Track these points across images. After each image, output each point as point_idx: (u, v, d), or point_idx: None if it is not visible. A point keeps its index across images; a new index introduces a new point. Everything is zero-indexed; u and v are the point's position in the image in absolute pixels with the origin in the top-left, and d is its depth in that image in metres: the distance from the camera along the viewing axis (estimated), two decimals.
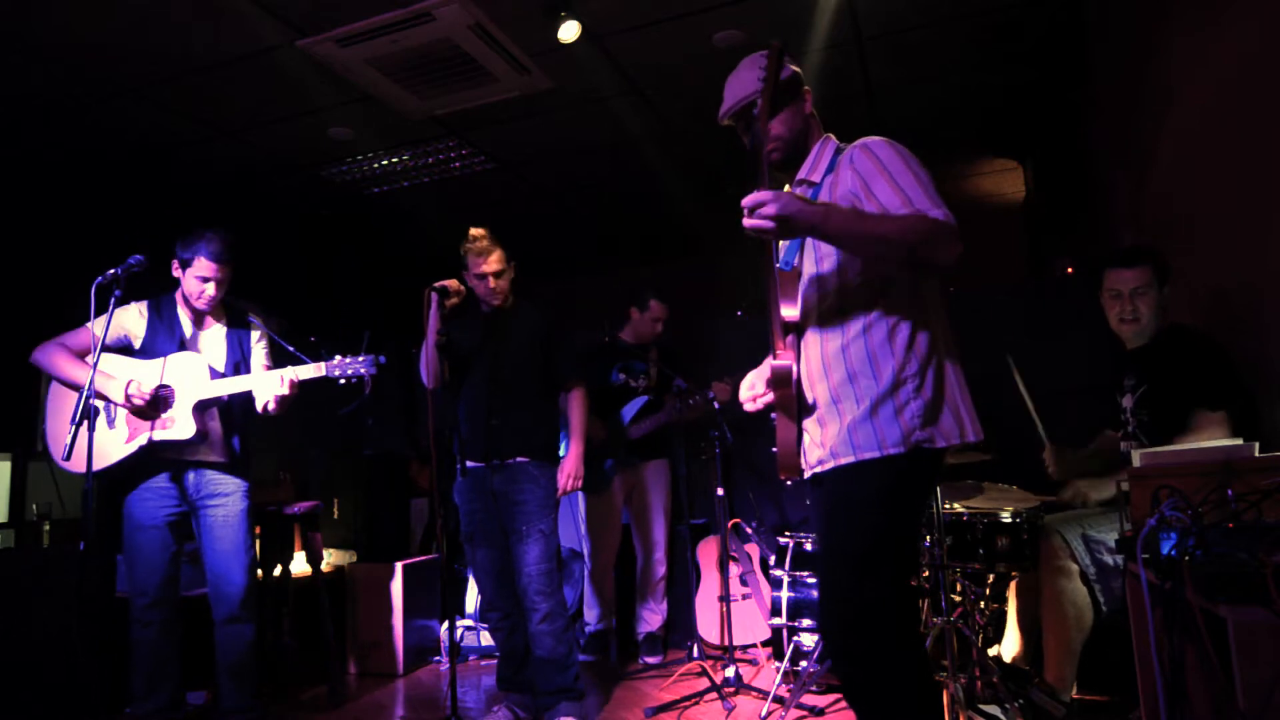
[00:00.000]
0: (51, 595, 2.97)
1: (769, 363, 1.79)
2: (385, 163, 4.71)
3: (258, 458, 3.05)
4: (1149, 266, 2.52)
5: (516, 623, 2.99)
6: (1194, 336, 2.44)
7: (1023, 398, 2.82)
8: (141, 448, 2.74)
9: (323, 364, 2.78)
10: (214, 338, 2.95)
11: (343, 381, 2.76)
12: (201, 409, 2.80)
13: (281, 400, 2.79)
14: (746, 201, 1.56)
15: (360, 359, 2.75)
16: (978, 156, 5.25)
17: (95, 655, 3.06)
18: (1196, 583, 1.38)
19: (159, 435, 2.74)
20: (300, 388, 2.81)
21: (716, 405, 3.72)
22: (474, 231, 3.06)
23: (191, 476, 2.85)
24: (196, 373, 2.80)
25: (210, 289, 2.86)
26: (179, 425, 2.74)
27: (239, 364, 2.94)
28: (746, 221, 1.57)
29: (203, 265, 2.82)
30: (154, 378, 2.75)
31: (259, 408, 2.83)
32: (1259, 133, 2.07)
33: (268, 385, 2.77)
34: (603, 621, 4.10)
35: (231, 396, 2.87)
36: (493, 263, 3.04)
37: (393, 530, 5.27)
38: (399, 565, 3.97)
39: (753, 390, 1.92)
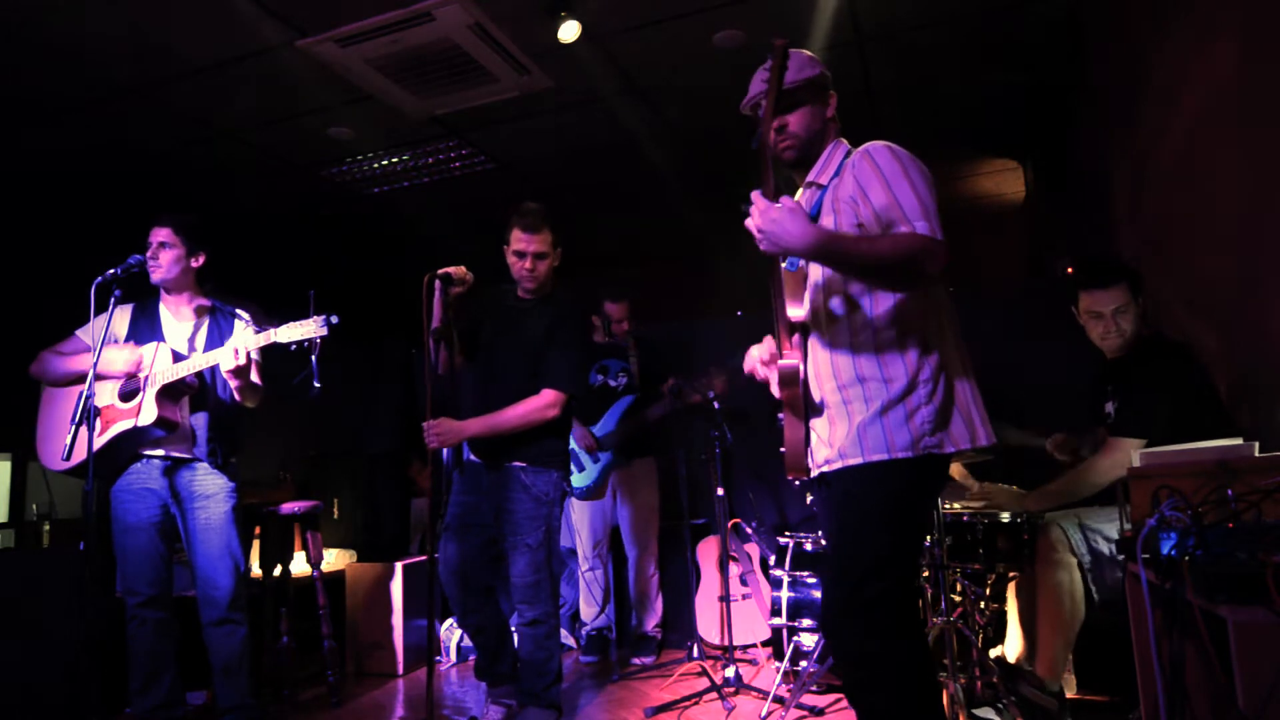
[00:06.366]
0: (51, 595, 2.97)
1: (777, 361, 1.79)
2: (385, 163, 4.71)
3: (258, 458, 3.04)
4: (1125, 284, 2.53)
5: (480, 623, 2.92)
6: (1161, 356, 2.46)
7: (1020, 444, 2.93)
8: (113, 439, 2.70)
9: (270, 330, 2.64)
10: (196, 333, 2.92)
11: (294, 347, 2.60)
12: (167, 395, 2.74)
13: (239, 375, 2.68)
14: (753, 200, 1.61)
15: (309, 321, 2.56)
16: (978, 156, 5.25)
17: (95, 655, 3.06)
18: (1196, 583, 1.38)
19: (126, 425, 2.69)
20: (255, 356, 2.71)
21: (716, 404, 3.71)
22: (529, 204, 2.81)
23: (174, 476, 2.82)
24: (161, 359, 2.75)
25: (166, 255, 2.80)
26: (143, 412, 2.69)
27: None
28: (747, 221, 1.63)
29: (153, 234, 2.80)
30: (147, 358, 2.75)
31: (228, 396, 2.79)
32: (1258, 131, 2.07)
33: (221, 361, 2.68)
34: (600, 620, 4.10)
35: (209, 391, 2.83)
36: (537, 242, 2.77)
37: (393, 530, 5.27)
38: (399, 565, 3.97)
39: (753, 361, 1.92)
